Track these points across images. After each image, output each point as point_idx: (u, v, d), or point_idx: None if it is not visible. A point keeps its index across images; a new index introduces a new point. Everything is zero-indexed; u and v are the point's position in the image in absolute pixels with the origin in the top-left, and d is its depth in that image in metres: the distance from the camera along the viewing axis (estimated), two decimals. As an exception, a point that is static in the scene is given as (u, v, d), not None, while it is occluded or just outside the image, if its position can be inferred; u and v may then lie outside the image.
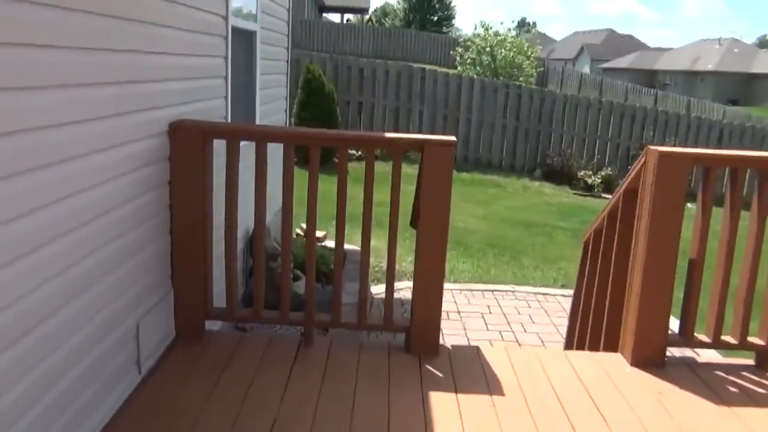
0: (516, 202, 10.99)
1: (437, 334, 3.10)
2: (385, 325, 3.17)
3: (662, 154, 2.96)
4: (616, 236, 3.41)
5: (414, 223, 4.42)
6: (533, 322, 5.56)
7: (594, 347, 3.61)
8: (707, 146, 13.56)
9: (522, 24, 30.23)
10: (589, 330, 3.72)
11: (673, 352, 3.26)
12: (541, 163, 13.09)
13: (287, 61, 5.87)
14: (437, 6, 43.22)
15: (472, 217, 9.54)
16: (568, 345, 4.27)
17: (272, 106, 5.38)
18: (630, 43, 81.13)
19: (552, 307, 5.98)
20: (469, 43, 19.23)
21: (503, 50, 18.18)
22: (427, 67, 13.82)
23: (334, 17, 38.66)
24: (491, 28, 19.12)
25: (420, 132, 12.89)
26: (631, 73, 62.46)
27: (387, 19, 45.16)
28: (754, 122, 16.17)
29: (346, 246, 6.37)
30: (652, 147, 3.06)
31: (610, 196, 12.81)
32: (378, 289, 6.08)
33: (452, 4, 44.28)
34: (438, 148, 2.85)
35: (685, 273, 3.17)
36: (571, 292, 6.55)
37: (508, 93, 13.07)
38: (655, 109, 14.05)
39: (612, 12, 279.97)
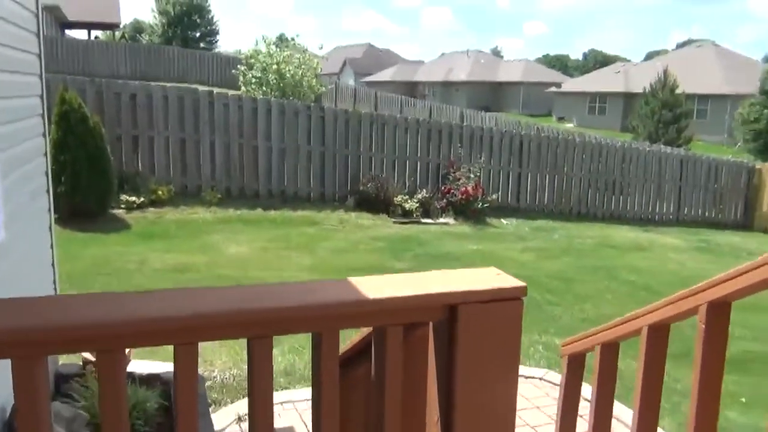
0: (339, 241, 9.55)
1: None
2: None
3: None
4: (698, 372, 2.05)
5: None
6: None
7: None
8: (511, 158, 13.41)
9: (282, 39, 28.74)
10: None
11: None
12: (353, 191, 11.83)
13: (42, 97, 3.72)
14: (199, 21, 40.38)
15: (299, 269, 7.89)
16: None
17: (21, 175, 3.25)
18: (388, 57, 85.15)
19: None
20: (252, 60, 17.39)
21: (291, 67, 16.67)
22: (216, 89, 11.82)
23: (80, 34, 34.10)
24: (272, 43, 17.52)
25: (213, 165, 10.88)
26: (393, 86, 65.22)
27: (143, 36, 41.23)
28: (547, 132, 16.63)
29: (151, 366, 4.37)
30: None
31: (429, 221, 11.82)
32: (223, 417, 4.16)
33: (215, 19, 41.73)
34: (492, 309, 1.21)
35: None
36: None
37: (310, 115, 11.59)
38: (460, 124, 13.57)
39: (363, 27, 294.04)
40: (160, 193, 10.00)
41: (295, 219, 10.47)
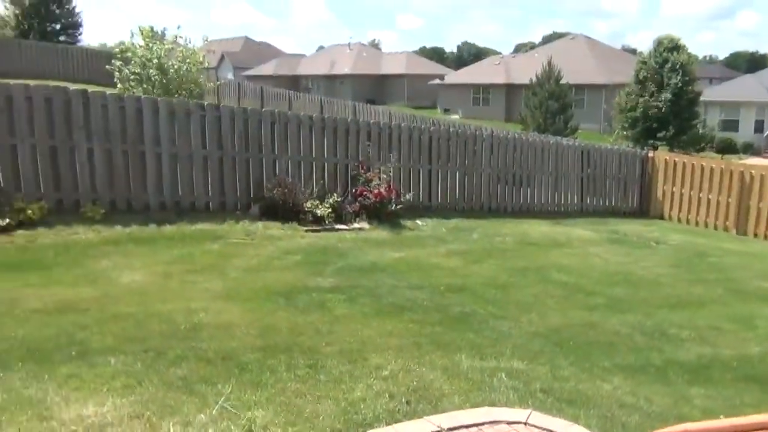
0: (250, 258, 8.43)
1: None
2: None
3: None
4: None
5: None
6: None
7: None
8: (420, 155, 12.78)
9: (157, 32, 26.85)
10: None
11: None
12: (258, 198, 10.71)
13: None
14: (58, 12, 36.82)
15: (212, 297, 6.75)
16: None
17: None
18: (268, 50, 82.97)
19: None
20: (129, 54, 15.57)
21: (175, 62, 15.08)
22: (91, 88, 10.24)
23: None
24: (151, 35, 15.79)
25: (93, 176, 9.39)
26: (275, 80, 63.53)
27: (-7, 29, 37.14)
28: (456, 127, 16.14)
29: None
30: None
31: (344, 227, 10.95)
32: None
33: (77, 11, 38.25)
34: None
35: None
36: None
37: (204, 115, 10.32)
38: (368, 122, 12.72)
39: (233, 20, 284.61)
40: (29, 212, 8.43)
41: (195, 234, 9.22)
